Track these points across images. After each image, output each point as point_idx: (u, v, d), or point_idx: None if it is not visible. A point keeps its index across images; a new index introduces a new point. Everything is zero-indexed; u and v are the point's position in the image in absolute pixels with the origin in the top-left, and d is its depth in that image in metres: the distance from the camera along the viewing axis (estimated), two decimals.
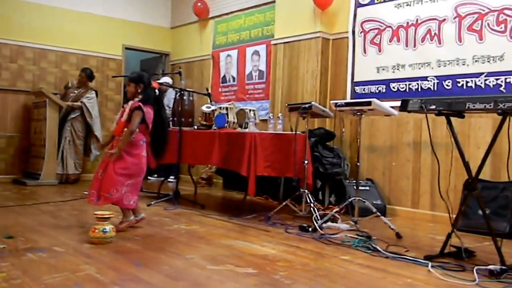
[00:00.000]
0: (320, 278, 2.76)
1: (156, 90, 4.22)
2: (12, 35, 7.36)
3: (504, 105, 2.90)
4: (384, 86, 5.51)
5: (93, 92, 7.52)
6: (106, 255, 3.14)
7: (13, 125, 7.45)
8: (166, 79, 7.70)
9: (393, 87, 5.42)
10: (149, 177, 8.43)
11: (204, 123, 5.71)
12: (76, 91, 7.41)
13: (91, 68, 7.73)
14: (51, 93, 7.08)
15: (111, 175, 3.81)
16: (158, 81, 7.15)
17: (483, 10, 4.68)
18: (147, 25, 8.82)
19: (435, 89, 5.02)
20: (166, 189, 6.46)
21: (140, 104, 3.90)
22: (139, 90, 3.99)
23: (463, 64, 4.82)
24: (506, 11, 4.52)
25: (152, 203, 5.36)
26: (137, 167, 3.94)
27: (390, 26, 5.47)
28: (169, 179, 7.45)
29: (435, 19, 5.05)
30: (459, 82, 4.84)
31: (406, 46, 5.31)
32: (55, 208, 4.99)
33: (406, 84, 5.30)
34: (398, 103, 3.57)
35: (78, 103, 7.30)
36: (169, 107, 7.21)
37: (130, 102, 3.99)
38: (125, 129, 3.88)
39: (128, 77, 4.17)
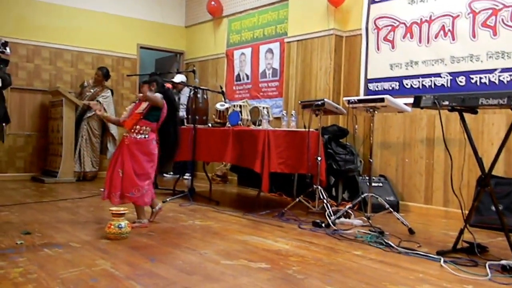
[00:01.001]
0: (332, 273, 2.76)
1: (170, 91, 4.22)
2: (28, 35, 7.46)
3: None
4: (397, 83, 5.48)
5: (109, 91, 7.60)
6: (122, 250, 3.18)
7: (31, 124, 7.56)
8: (181, 77, 7.74)
9: (406, 84, 5.39)
10: (165, 174, 8.50)
11: (218, 120, 5.73)
12: (92, 90, 7.50)
13: (107, 67, 7.80)
14: (68, 92, 7.17)
15: (131, 176, 3.83)
16: (174, 80, 7.21)
17: (497, 6, 4.62)
18: (161, 24, 8.87)
19: (449, 85, 4.98)
20: (182, 186, 6.50)
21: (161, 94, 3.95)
22: (152, 89, 4.00)
23: (477, 60, 4.77)
24: None
25: (168, 199, 5.41)
26: (153, 167, 3.98)
27: (403, 23, 5.44)
28: (184, 176, 7.49)
29: (449, 15, 5.00)
30: (472, 79, 4.80)
31: (420, 42, 5.27)
32: (72, 205, 5.06)
33: (419, 81, 5.26)
34: (411, 100, 3.55)
35: (94, 102, 7.35)
36: (184, 105, 7.27)
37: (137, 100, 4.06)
38: (137, 125, 3.90)
39: (142, 82, 4.19)
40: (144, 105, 3.95)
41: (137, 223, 3.96)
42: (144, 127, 3.92)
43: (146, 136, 3.92)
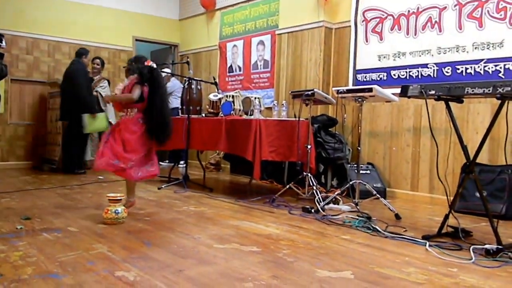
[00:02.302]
0: (321, 256, 2.75)
1: (151, 68, 4.01)
2: (27, 28, 7.37)
3: (503, 89, 2.86)
4: (385, 74, 5.46)
5: (106, 81, 7.53)
6: (118, 234, 3.16)
7: (30, 114, 7.50)
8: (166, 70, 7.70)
9: (394, 75, 5.36)
10: (160, 163, 8.45)
11: (212, 110, 5.70)
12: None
13: (104, 59, 7.75)
14: None
15: (117, 149, 3.76)
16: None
17: None
18: (156, 17, 8.78)
19: (435, 76, 4.96)
20: (176, 174, 6.48)
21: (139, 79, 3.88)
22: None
23: (463, 51, 4.75)
24: None
25: (163, 186, 5.39)
26: (138, 143, 3.83)
27: (391, 15, 5.40)
28: (179, 165, 7.46)
29: (435, 7, 4.97)
30: (458, 69, 4.78)
31: (407, 34, 5.24)
32: (71, 192, 5.01)
33: (406, 72, 5.24)
34: (398, 90, 3.52)
35: (93, 93, 7.31)
36: (175, 95, 7.49)
37: (128, 79, 4.01)
38: (125, 108, 3.89)
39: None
40: (120, 87, 3.98)
41: (128, 203, 3.90)
42: (130, 109, 3.88)
43: (132, 115, 3.86)
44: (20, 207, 4.03)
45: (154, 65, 4.02)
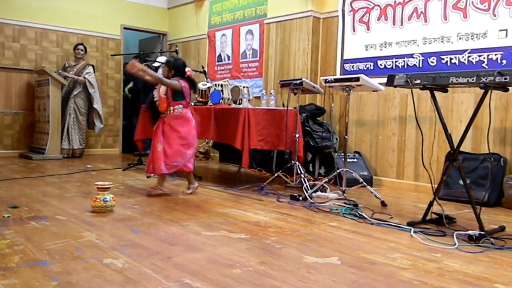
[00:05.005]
0: (309, 243, 2.77)
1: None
2: (14, 15, 7.22)
3: (486, 79, 2.88)
4: (372, 63, 5.46)
5: (91, 67, 7.52)
6: (107, 222, 3.14)
7: (17, 103, 7.36)
8: (161, 59, 7.61)
9: (381, 64, 5.37)
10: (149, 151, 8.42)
11: (200, 99, 5.66)
12: (75, 68, 7.36)
13: (92, 47, 7.69)
14: (53, 72, 7.00)
15: (177, 147, 4.16)
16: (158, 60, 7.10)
17: None
18: (144, 5, 8.66)
19: (420, 66, 4.98)
20: None
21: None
22: (169, 75, 4.31)
23: (448, 42, 4.77)
24: None
25: (152, 175, 5.35)
26: (194, 136, 4.28)
27: (378, 5, 5.40)
28: None
29: None
30: (443, 59, 4.80)
31: (393, 24, 5.25)
32: (59, 180, 4.97)
33: (392, 61, 5.25)
34: (385, 80, 3.53)
35: (81, 78, 7.32)
36: None
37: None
38: (170, 107, 4.23)
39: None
40: (163, 88, 4.24)
41: (191, 189, 4.37)
42: (175, 107, 4.23)
43: (181, 111, 4.24)
44: (7, 196, 3.97)
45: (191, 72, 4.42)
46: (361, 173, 4.97)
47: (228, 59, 7.54)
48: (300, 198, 4.11)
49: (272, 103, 5.23)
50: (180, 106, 4.24)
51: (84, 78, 7.33)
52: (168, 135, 4.18)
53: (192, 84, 4.37)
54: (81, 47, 7.47)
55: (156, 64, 6.78)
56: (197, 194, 4.35)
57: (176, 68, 4.30)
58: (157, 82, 4.23)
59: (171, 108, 4.22)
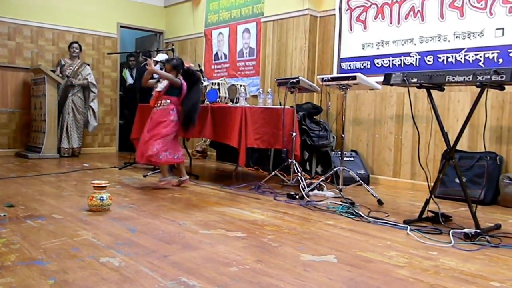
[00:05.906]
0: (305, 241, 2.77)
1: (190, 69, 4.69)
2: (9, 13, 7.20)
3: (482, 78, 2.90)
4: (368, 62, 5.48)
5: (87, 66, 7.51)
6: (103, 221, 3.14)
7: (13, 101, 7.35)
8: (163, 56, 7.60)
9: (377, 63, 5.38)
10: None
11: None
12: (72, 67, 7.34)
13: (88, 45, 7.69)
14: (49, 70, 6.99)
15: (147, 141, 4.41)
16: (156, 59, 7.09)
17: None
18: (141, 3, 8.65)
19: (417, 64, 5.00)
20: None
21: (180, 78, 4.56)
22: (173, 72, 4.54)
23: (444, 40, 4.78)
24: None
25: (148, 174, 5.36)
26: (167, 129, 4.44)
27: (375, 4, 5.40)
28: None
29: None
30: (440, 58, 4.81)
31: (390, 23, 5.26)
32: (56, 179, 4.96)
33: (389, 60, 5.26)
34: (382, 78, 3.54)
35: (84, 82, 7.35)
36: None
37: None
38: (158, 101, 4.50)
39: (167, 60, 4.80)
40: (164, 82, 4.51)
41: (163, 181, 4.54)
42: (163, 101, 4.50)
43: (166, 106, 4.48)
44: (3, 195, 3.97)
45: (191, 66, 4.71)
46: (357, 172, 4.98)
47: (225, 58, 7.54)
48: (297, 197, 4.12)
49: (269, 101, 5.24)
50: (168, 101, 4.50)
51: (86, 80, 7.39)
52: (149, 127, 4.49)
53: (192, 75, 4.65)
54: (76, 45, 7.45)
55: (158, 59, 6.79)
56: (193, 193, 4.35)
57: (176, 67, 4.53)
58: (163, 77, 4.51)
59: (159, 102, 4.51)
